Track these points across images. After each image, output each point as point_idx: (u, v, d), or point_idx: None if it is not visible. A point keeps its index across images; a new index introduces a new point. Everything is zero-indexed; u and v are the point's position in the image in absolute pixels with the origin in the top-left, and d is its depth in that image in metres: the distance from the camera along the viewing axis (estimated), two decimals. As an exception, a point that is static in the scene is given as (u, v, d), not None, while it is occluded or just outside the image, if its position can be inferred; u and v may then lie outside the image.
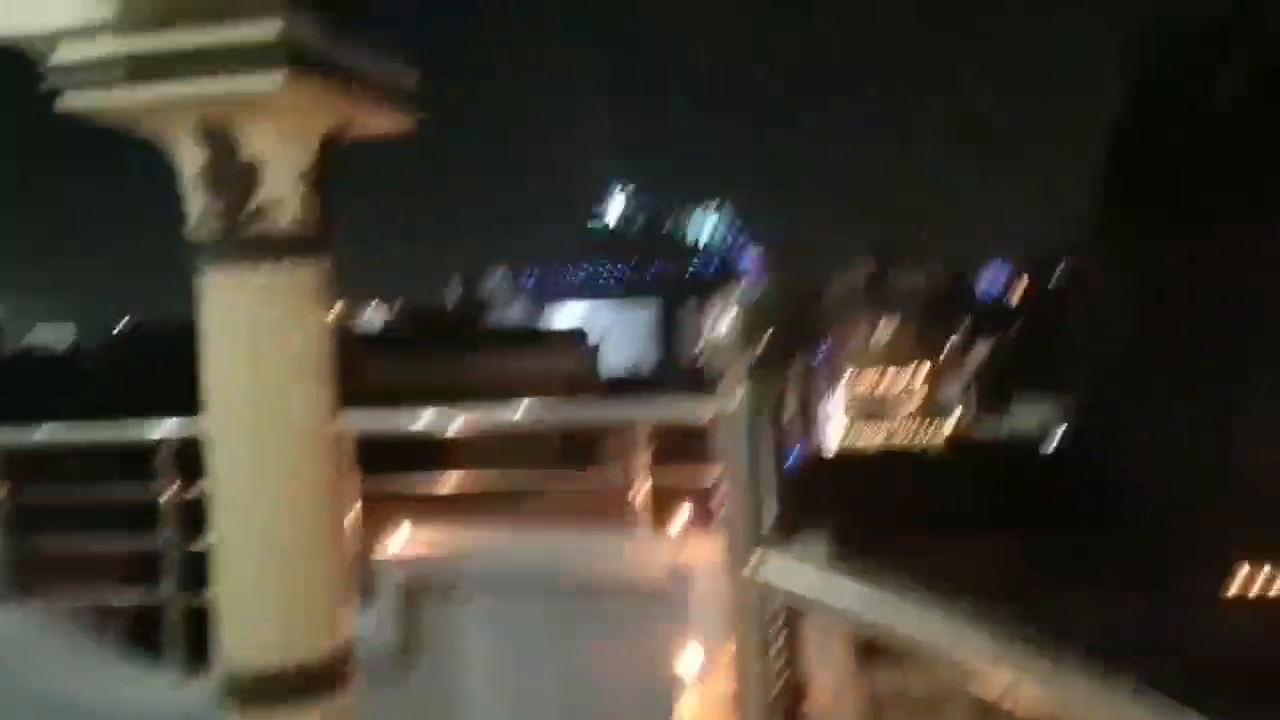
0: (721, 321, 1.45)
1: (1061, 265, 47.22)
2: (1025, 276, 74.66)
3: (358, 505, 3.97)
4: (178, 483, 4.01)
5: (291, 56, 2.07)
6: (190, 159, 2.27)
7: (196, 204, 2.29)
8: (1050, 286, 55.80)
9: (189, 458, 3.71)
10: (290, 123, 2.26)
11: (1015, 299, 76.97)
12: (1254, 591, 16.93)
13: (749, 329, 1.44)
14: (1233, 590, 16.98)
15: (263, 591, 2.31)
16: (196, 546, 3.73)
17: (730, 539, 1.46)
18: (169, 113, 2.23)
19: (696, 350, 1.52)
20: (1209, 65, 21.29)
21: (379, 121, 2.49)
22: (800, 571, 1.39)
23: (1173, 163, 20.71)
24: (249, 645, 2.31)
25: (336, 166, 2.42)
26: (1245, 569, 16.99)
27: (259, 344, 2.30)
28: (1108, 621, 16.67)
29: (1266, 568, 16.92)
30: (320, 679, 2.34)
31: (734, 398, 1.46)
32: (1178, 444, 18.67)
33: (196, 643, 3.55)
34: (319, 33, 2.17)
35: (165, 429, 4.11)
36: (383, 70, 2.40)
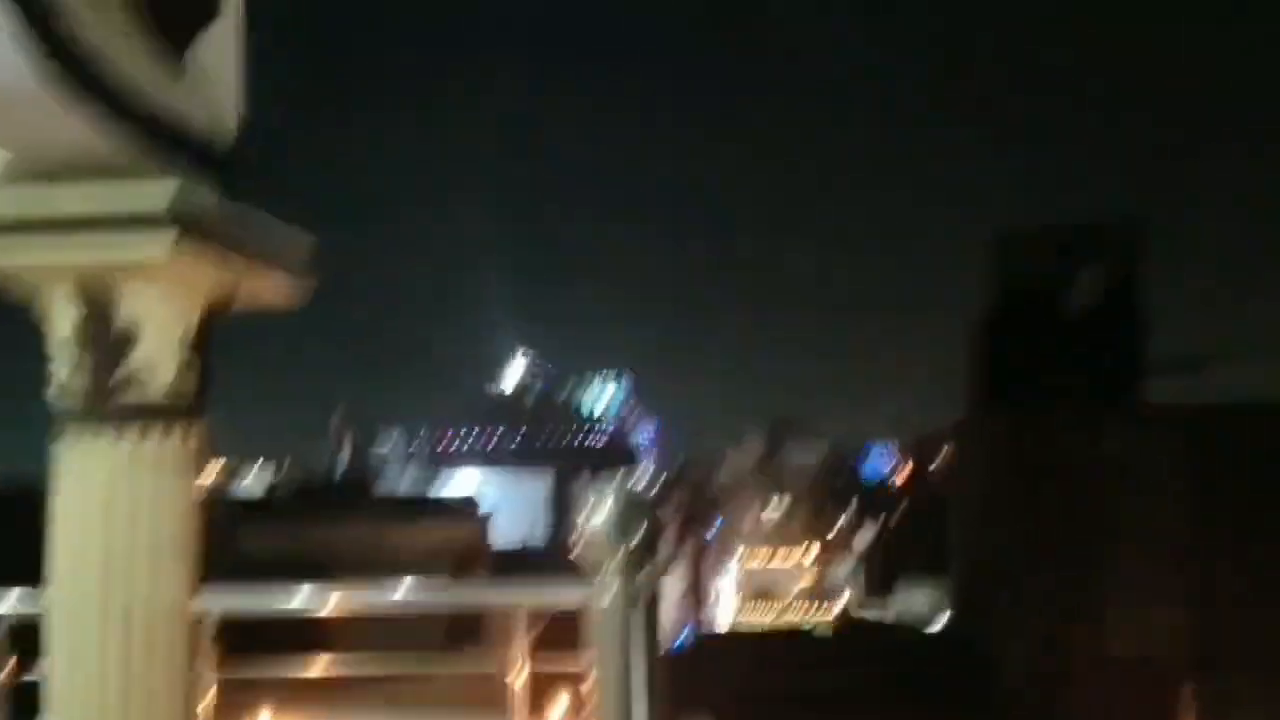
0: (597, 513, 1.45)
1: (943, 450, 48.92)
2: (909, 459, 76.97)
3: (213, 691, 3.69)
4: (12, 662, 3.69)
5: (180, 225, 2.05)
6: (62, 319, 2.20)
7: (63, 366, 2.20)
8: (932, 470, 57.61)
9: (28, 636, 3.43)
10: (173, 289, 2.22)
11: (900, 481, 79.01)
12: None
13: (624, 522, 1.45)
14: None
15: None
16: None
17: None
18: (45, 272, 2.18)
19: (572, 539, 1.51)
20: (1066, 271, 23.18)
21: (268, 290, 2.46)
22: None
23: (1033, 358, 22.09)
24: None
25: (216, 333, 2.38)
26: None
27: (115, 517, 2.18)
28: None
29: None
30: None
31: (607, 589, 1.44)
32: (1048, 633, 19.04)
33: None
34: (208, 201, 2.17)
35: (3, 602, 3.81)
36: (274, 239, 2.39)
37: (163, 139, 2.07)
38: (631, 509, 1.46)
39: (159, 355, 2.22)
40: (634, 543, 1.43)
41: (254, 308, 2.52)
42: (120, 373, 2.18)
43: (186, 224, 2.07)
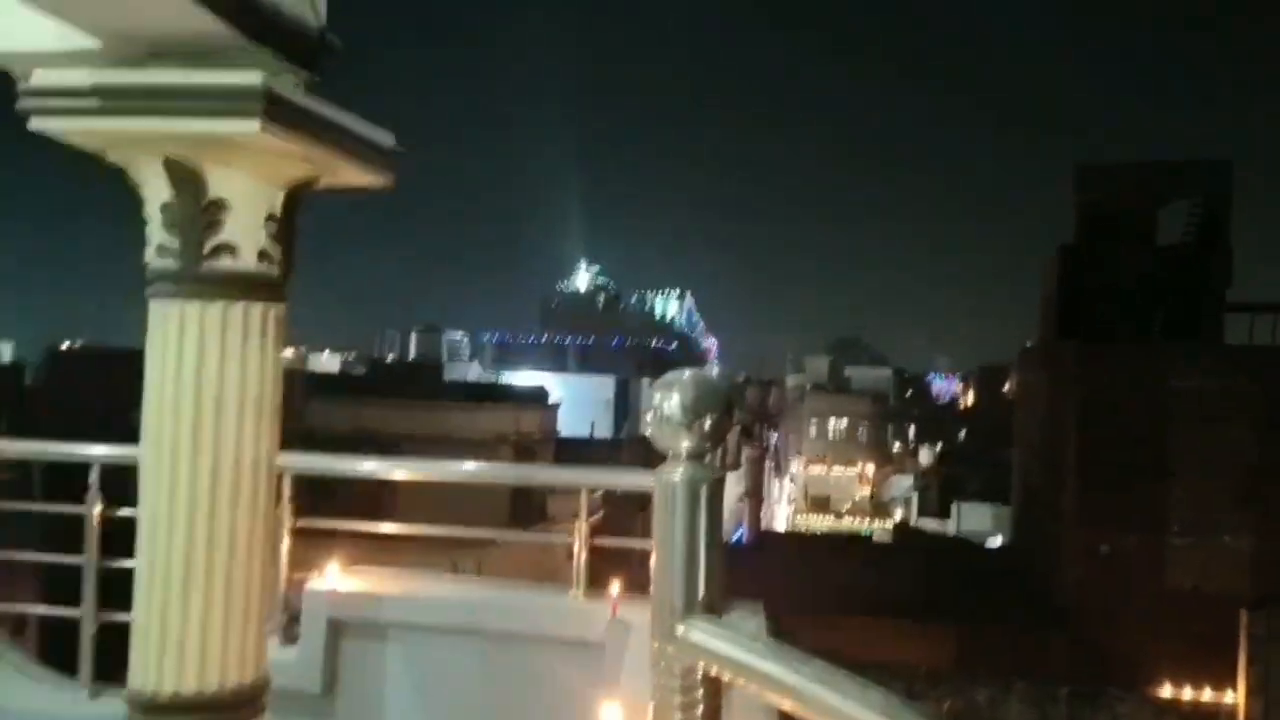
0: (671, 399, 1.50)
1: (1008, 378, 48.12)
2: (970, 387, 75.95)
3: (286, 542, 3.94)
4: (103, 504, 3.97)
5: (269, 105, 2.13)
6: (157, 188, 2.31)
7: (158, 232, 2.32)
8: (998, 396, 56.78)
9: (118, 482, 3.68)
10: (261, 166, 2.32)
11: (965, 406, 78.14)
12: (1169, 696, 17.21)
13: (697, 409, 1.49)
14: (1154, 696, 17.24)
15: (183, 618, 2.31)
16: (119, 566, 3.68)
17: (661, 605, 1.49)
18: (140, 146, 2.28)
19: (645, 423, 1.57)
20: (1150, 206, 22.45)
21: (352, 176, 2.55)
22: (727, 639, 1.42)
23: (1110, 290, 21.51)
24: (164, 669, 2.30)
25: (303, 213, 2.49)
26: (1166, 684, 17.25)
27: (205, 376, 2.32)
28: (1038, 716, 16.78)
29: (1186, 686, 17.15)
30: (232, 708, 2.33)
31: (675, 472, 1.50)
32: (1106, 557, 18.98)
33: (109, 662, 3.49)
34: (296, 84, 2.25)
35: (99, 449, 4.08)
36: (358, 128, 2.47)
37: (254, 24, 2.14)
38: (708, 393, 1.51)
39: (247, 228, 2.34)
40: (708, 425, 1.49)
41: (339, 190, 2.62)
42: (211, 241, 2.30)
43: (275, 104, 2.15)
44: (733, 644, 1.39)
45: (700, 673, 1.44)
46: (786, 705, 1.26)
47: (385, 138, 2.56)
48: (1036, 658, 17.59)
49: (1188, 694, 17.09)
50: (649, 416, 1.52)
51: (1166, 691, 17.25)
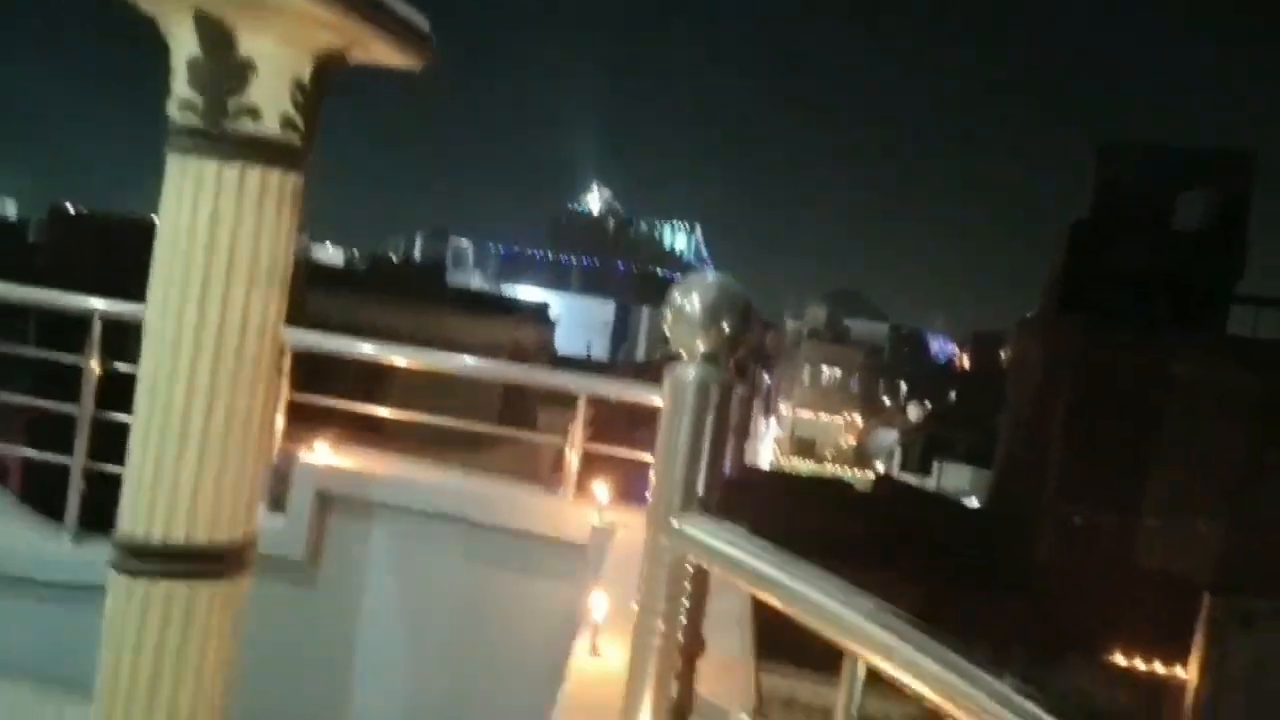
0: (691, 298, 1.49)
1: (1006, 348, 48.17)
2: (970, 349, 75.99)
3: (282, 414, 3.97)
4: (100, 356, 3.99)
5: (305, -35, 2.08)
6: (185, 45, 2.27)
7: (180, 90, 2.29)
8: (993, 363, 56.88)
9: (116, 336, 3.68)
10: (292, 30, 2.27)
11: (961, 367, 78.33)
12: (1125, 666, 17.70)
13: (715, 311, 1.49)
14: (1108, 664, 17.72)
15: (176, 470, 2.33)
16: (112, 419, 3.71)
17: (659, 499, 1.50)
18: (171, -1, 2.24)
19: (664, 319, 1.56)
20: (1168, 190, 22.27)
21: (384, 52, 2.50)
22: (723, 536, 1.44)
23: (1119, 269, 21.43)
24: (154, 516, 2.33)
25: (331, 85, 2.44)
26: (1118, 654, 17.69)
27: (218, 238, 2.31)
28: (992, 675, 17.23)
29: (1137, 658, 17.59)
30: (216, 562, 2.38)
31: (689, 371, 1.50)
32: (1081, 529, 19.27)
33: (97, 510, 3.55)
34: None
35: (101, 303, 4.09)
36: (393, 4, 2.41)
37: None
38: (728, 297, 1.50)
39: (273, 93, 2.29)
40: (726, 328, 1.49)
41: (370, 67, 2.58)
42: (235, 101, 2.27)
43: (309, -34, 2.09)
44: (727, 540, 1.41)
45: (690, 566, 1.47)
46: (775, 602, 1.29)
47: (420, 19, 2.50)
48: (999, 618, 17.94)
49: (1142, 667, 17.50)
50: (667, 313, 1.52)
51: (1121, 661, 17.67)
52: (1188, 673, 16.98)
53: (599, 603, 2.49)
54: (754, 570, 1.32)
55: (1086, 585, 18.44)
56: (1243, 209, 22.10)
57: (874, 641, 1.14)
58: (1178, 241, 22.31)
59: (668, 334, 1.52)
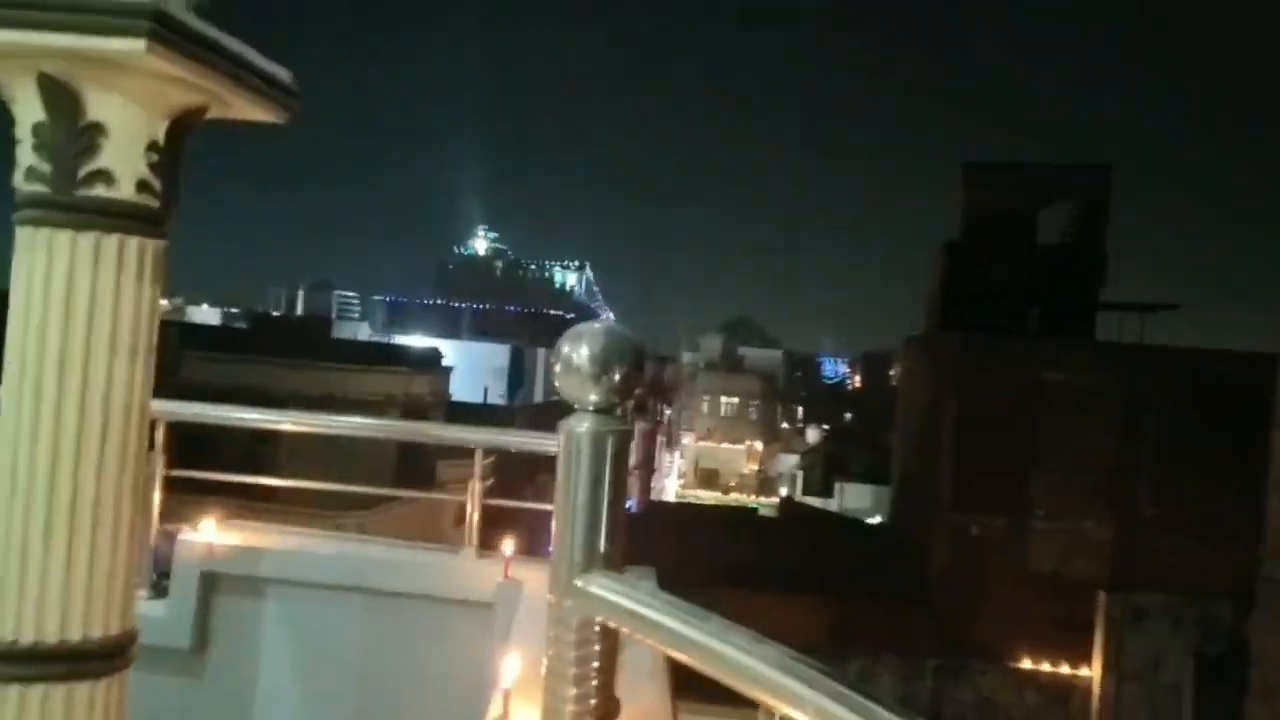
0: (580, 349, 1.46)
1: (891, 366, 49.65)
2: (856, 372, 78.12)
3: (158, 493, 3.76)
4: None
5: (156, 24, 1.99)
6: (28, 111, 2.15)
7: (27, 157, 2.16)
8: (884, 382, 58.55)
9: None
10: (144, 89, 2.17)
11: (854, 388, 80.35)
12: (1031, 669, 18.23)
13: (606, 361, 1.45)
14: (1015, 669, 18.22)
15: (44, 565, 2.17)
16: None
17: (560, 558, 1.46)
18: (13, 60, 2.11)
19: (554, 373, 1.52)
20: (1033, 206, 23.47)
21: (244, 107, 2.41)
22: (628, 594, 1.40)
23: (991, 286, 22.43)
24: (23, 616, 2.17)
25: (188, 145, 2.34)
26: (1025, 659, 18.21)
27: (75, 311, 2.17)
28: (905, 689, 17.53)
29: (1044, 662, 18.14)
30: (94, 660, 2.21)
31: (582, 424, 1.46)
32: (973, 538, 19.85)
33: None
34: (189, 10, 2.11)
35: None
36: (253, 58, 2.33)
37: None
38: (618, 345, 1.47)
39: (127, 155, 2.18)
40: (617, 377, 1.45)
41: (230, 123, 2.48)
42: (86, 167, 2.15)
43: (163, 23, 2.01)
44: (633, 597, 1.37)
45: (598, 626, 1.42)
46: (685, 658, 1.25)
47: (281, 72, 2.43)
48: (906, 632, 18.30)
49: (1046, 668, 18.04)
50: (557, 367, 1.48)
51: (1027, 665, 18.19)
52: (1091, 670, 17.60)
53: (509, 666, 2.41)
54: (662, 627, 1.28)
55: (987, 592, 18.97)
56: (1102, 220, 23.35)
57: (785, 692, 1.12)
58: (1043, 255, 23.44)
59: (557, 386, 1.48)
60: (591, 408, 1.45)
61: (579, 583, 1.41)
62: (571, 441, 1.45)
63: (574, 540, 1.43)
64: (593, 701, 1.42)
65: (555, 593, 1.44)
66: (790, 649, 1.20)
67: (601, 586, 1.40)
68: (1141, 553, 18.44)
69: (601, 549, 1.43)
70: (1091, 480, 19.55)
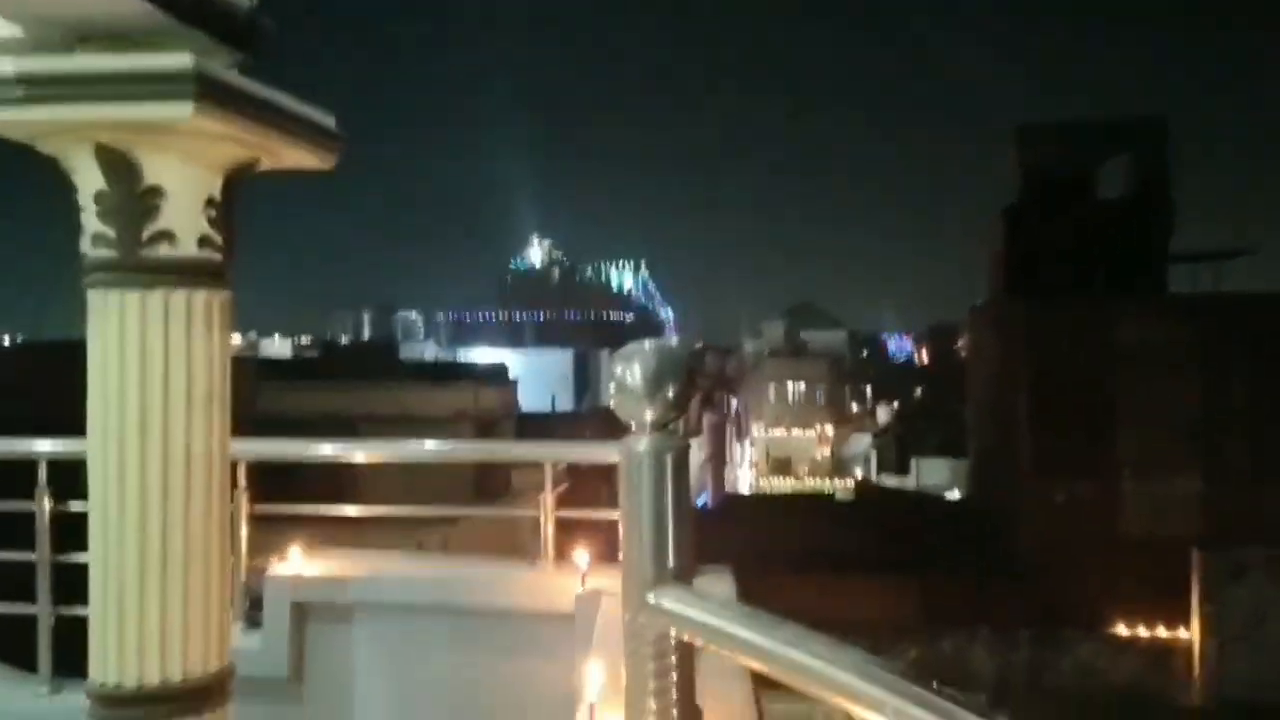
0: (632, 369, 1.48)
1: (960, 336, 48.82)
2: (923, 346, 76.98)
3: (245, 529, 3.88)
4: (52, 499, 3.89)
5: (201, 86, 2.06)
6: (89, 181, 2.24)
7: (91, 225, 2.25)
8: (952, 354, 57.60)
9: (69, 475, 3.60)
10: (197, 149, 2.24)
11: (921, 363, 79.22)
12: (1128, 635, 17.80)
13: (659, 379, 1.48)
14: (1112, 636, 17.80)
15: (140, 610, 2.26)
16: (73, 560, 3.61)
17: (631, 575, 1.48)
18: (70, 134, 2.20)
19: (607, 394, 1.55)
20: (1090, 164, 22.89)
21: (293, 157, 2.48)
22: (699, 606, 1.42)
23: (1055, 247, 21.90)
24: (125, 661, 2.26)
25: (243, 196, 2.42)
26: (1120, 625, 17.77)
27: (149, 368, 2.26)
28: (1002, 661, 17.24)
29: (1140, 626, 17.69)
30: (196, 698, 2.30)
31: (640, 443, 1.49)
32: (1060, 506, 19.44)
33: (69, 657, 3.44)
34: (232, 68, 2.18)
35: (45, 445, 3.99)
36: (297, 109, 2.40)
37: (183, 4, 2.07)
38: (668, 362, 1.49)
39: (187, 214, 2.26)
40: (670, 395, 1.48)
41: (282, 172, 2.56)
42: (149, 229, 2.23)
43: (207, 85, 2.08)
44: (705, 610, 1.39)
45: (673, 640, 1.44)
46: (760, 667, 1.26)
47: (326, 119, 2.49)
48: (998, 605, 17.99)
49: (1144, 633, 17.59)
50: (611, 388, 1.50)
51: (1123, 631, 17.75)
52: (1190, 631, 17.11)
53: (593, 678, 2.44)
54: (736, 638, 1.30)
55: (1077, 559, 18.57)
56: (1163, 170, 22.69)
57: (866, 697, 1.12)
58: (1106, 211, 22.84)
59: (613, 406, 1.51)
60: (648, 425, 1.47)
61: (650, 598, 1.43)
62: (631, 460, 1.47)
63: (642, 556, 1.45)
64: (674, 712, 1.44)
65: (628, 609, 1.46)
66: (869, 651, 1.20)
67: (673, 600, 1.42)
68: (1236, 507, 17.87)
69: (670, 563, 1.45)
70: (1178, 436, 19.01)
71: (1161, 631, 17.49)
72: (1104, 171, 23.24)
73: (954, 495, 33.42)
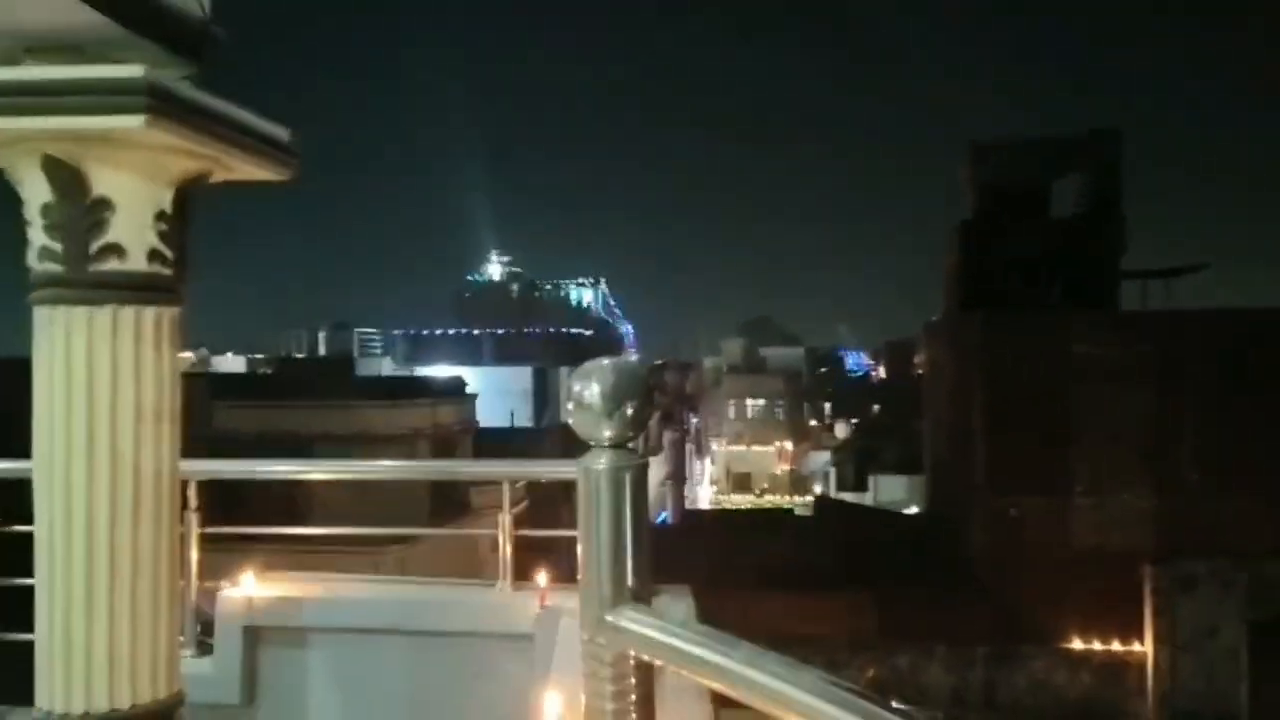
0: (590, 387, 1.48)
1: (915, 352, 49.42)
2: (880, 362, 77.83)
3: (195, 551, 3.81)
4: None
5: (153, 98, 2.03)
6: (36, 193, 2.20)
7: (39, 238, 2.21)
8: (908, 370, 58.28)
9: (13, 496, 3.51)
10: (148, 162, 2.21)
11: (879, 378, 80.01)
12: (1082, 649, 17.98)
13: (617, 396, 1.48)
14: (1067, 651, 17.98)
15: (87, 635, 2.21)
16: (17, 584, 3.52)
17: (589, 595, 1.47)
18: (17, 145, 2.16)
19: (565, 412, 1.55)
20: (1045, 181, 23.26)
21: (246, 169, 2.46)
22: (657, 626, 1.42)
23: (1009, 264, 22.25)
24: (72, 687, 2.21)
25: (196, 211, 2.38)
26: (1075, 639, 17.96)
27: (97, 386, 2.22)
28: (958, 678, 17.36)
29: (1095, 640, 17.90)
30: None
31: (598, 461, 1.49)
32: (1016, 525, 19.64)
33: (15, 684, 3.34)
34: (180, 77, 2.16)
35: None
36: (250, 121, 2.38)
37: (136, 16, 2.04)
38: (627, 380, 1.49)
39: (135, 227, 2.23)
40: (629, 412, 1.48)
41: (236, 185, 2.53)
42: (97, 242, 2.19)
43: (159, 97, 2.05)
44: (663, 630, 1.38)
45: (632, 660, 1.44)
46: (719, 687, 1.26)
47: (279, 131, 2.47)
48: (954, 621, 18.15)
49: (1098, 646, 17.83)
50: (569, 406, 1.51)
51: (1078, 645, 17.97)
52: (1143, 644, 17.37)
53: (550, 703, 2.42)
54: (694, 657, 1.30)
55: (1032, 574, 18.78)
56: (1116, 186, 23.13)
57: (823, 716, 1.13)
58: (1060, 227, 23.24)
59: (571, 424, 1.51)
60: (606, 443, 1.47)
61: (609, 618, 1.42)
62: (590, 479, 1.47)
63: (600, 576, 1.45)
64: (631, 734, 1.43)
65: (587, 629, 1.46)
66: (831, 651, 1.20)
67: (631, 620, 1.41)
68: (1186, 521, 18.21)
69: (629, 582, 1.45)
70: (1129, 450, 19.33)
71: (1115, 645, 17.74)
72: (1057, 187, 23.65)
73: (912, 511, 33.73)
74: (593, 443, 1.49)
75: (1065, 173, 23.89)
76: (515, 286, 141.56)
